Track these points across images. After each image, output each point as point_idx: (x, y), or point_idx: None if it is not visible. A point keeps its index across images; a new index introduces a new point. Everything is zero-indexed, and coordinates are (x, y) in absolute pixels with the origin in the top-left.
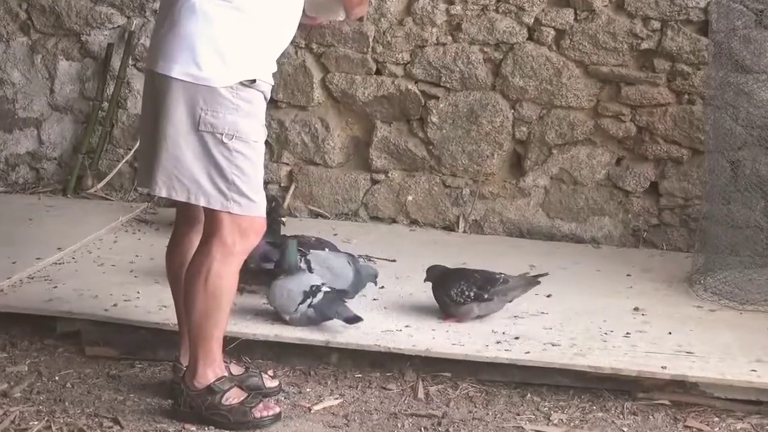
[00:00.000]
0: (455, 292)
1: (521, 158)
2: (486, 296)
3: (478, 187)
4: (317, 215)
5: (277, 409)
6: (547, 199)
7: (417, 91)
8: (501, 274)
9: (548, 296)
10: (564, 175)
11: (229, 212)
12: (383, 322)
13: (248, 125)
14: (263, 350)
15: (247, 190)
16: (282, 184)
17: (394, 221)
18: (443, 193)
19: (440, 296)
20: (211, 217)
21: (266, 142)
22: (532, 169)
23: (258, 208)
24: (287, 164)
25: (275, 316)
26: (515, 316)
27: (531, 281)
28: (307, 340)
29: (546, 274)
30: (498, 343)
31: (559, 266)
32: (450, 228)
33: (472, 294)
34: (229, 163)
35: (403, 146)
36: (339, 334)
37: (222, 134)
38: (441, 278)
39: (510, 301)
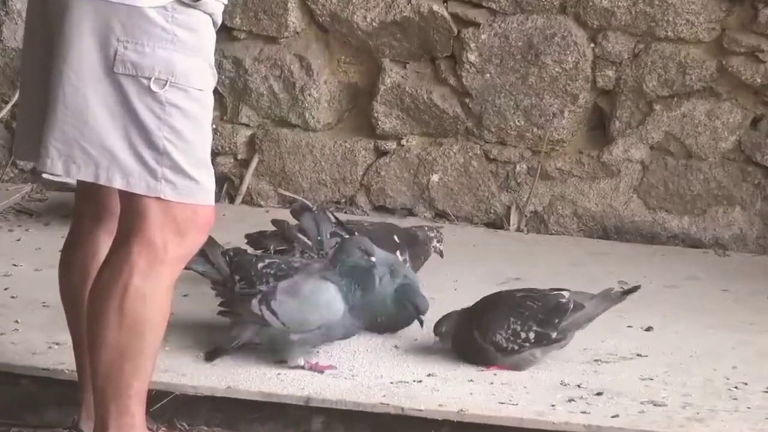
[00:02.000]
0: (505, 335)
1: (606, 118)
2: (554, 335)
3: (539, 162)
4: (292, 203)
5: None
6: (646, 180)
7: (446, 15)
8: (566, 292)
9: (647, 329)
10: (671, 143)
11: (159, 198)
12: (394, 369)
13: (189, 65)
14: (209, 411)
15: (186, 165)
16: (239, 157)
17: (410, 213)
18: (486, 170)
19: (476, 344)
20: (132, 205)
21: (215, 92)
22: (623, 134)
23: (203, 191)
24: (247, 126)
25: (234, 358)
26: (597, 360)
27: (615, 298)
28: (278, 396)
29: (638, 287)
30: (570, 401)
31: (665, 283)
32: (496, 224)
33: (531, 335)
34: (159, 123)
35: (424, 99)
36: (326, 388)
37: (149, 79)
38: (472, 317)
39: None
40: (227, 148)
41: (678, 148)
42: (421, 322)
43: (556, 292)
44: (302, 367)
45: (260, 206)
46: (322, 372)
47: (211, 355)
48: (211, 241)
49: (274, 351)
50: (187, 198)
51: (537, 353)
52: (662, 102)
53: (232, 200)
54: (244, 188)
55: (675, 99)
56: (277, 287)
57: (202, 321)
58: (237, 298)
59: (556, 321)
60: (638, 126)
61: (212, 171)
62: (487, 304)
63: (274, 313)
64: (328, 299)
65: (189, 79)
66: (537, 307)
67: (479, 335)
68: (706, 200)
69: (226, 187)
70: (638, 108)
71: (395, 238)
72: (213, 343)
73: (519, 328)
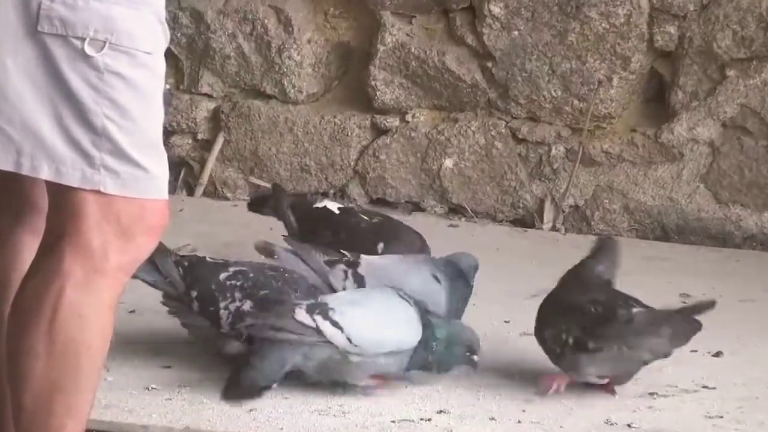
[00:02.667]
0: (550, 334)
1: (666, 87)
2: (590, 345)
3: (581, 143)
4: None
5: None
6: (716, 166)
7: None
8: (632, 302)
9: (716, 355)
10: (749, 119)
11: (98, 191)
12: (395, 404)
13: (134, 21)
14: None
15: (131, 149)
16: (199, 137)
17: (417, 207)
18: (513, 154)
19: (540, 340)
20: (63, 200)
21: (168, 55)
22: (687, 108)
23: (153, 182)
24: (210, 97)
25: (194, 388)
26: (652, 393)
27: (689, 326)
28: None
29: (710, 303)
30: None
31: (739, 297)
32: (526, 222)
33: (570, 340)
34: (97, 96)
35: (435, 63)
36: (310, 428)
37: (83, 39)
38: (550, 303)
39: (647, 362)
40: (184, 126)
41: (757, 125)
42: (474, 364)
43: (630, 297)
44: (364, 390)
45: (226, 199)
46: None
47: (238, 394)
48: (161, 248)
49: (324, 378)
50: (133, 191)
51: (583, 361)
52: (738, 66)
53: (190, 191)
54: (205, 176)
55: (754, 63)
56: (329, 299)
57: (154, 340)
58: (258, 324)
59: (597, 329)
60: (707, 97)
61: (165, 156)
62: (561, 295)
63: (336, 325)
64: (408, 318)
65: (134, 38)
66: (596, 311)
67: (538, 327)
68: None
69: (184, 174)
70: (707, 74)
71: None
72: (231, 380)
73: (563, 330)
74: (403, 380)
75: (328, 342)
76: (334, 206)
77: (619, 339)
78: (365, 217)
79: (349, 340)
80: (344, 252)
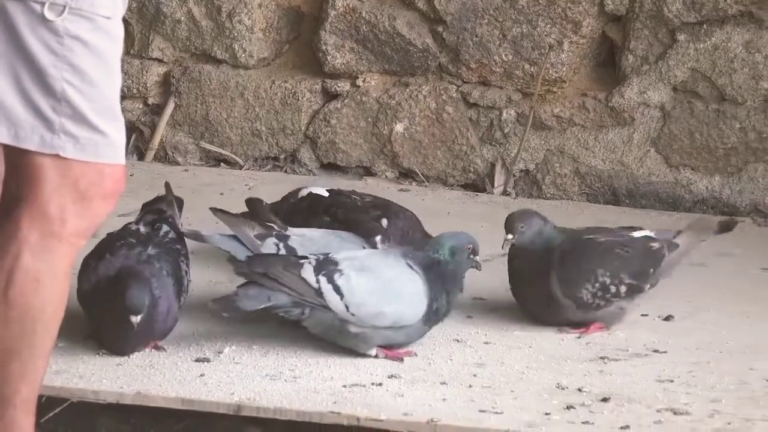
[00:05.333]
0: (591, 290)
1: (616, 51)
2: (648, 286)
3: (531, 107)
4: (218, 160)
5: None
6: (667, 130)
7: None
8: (650, 232)
9: (667, 319)
10: (699, 83)
11: (57, 156)
12: (347, 368)
13: None
14: (115, 423)
15: (91, 114)
16: (150, 101)
17: (368, 172)
18: (464, 118)
19: (553, 300)
20: (21, 165)
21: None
22: (638, 72)
23: (111, 147)
24: (160, 62)
25: (144, 354)
26: (603, 357)
27: (708, 229)
28: (201, 403)
29: (735, 222)
30: (569, 408)
31: (691, 260)
32: (477, 186)
33: (623, 288)
34: (56, 60)
35: (386, 27)
36: (262, 393)
37: (43, 4)
38: (550, 267)
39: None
40: (135, 90)
41: (708, 89)
42: (479, 265)
43: (642, 235)
44: (374, 357)
45: (177, 164)
46: (401, 360)
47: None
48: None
49: (330, 340)
50: (92, 155)
51: (624, 305)
52: (688, 30)
53: (141, 156)
54: (156, 141)
55: (704, 27)
56: (341, 259)
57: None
58: (272, 257)
59: (651, 271)
60: (657, 61)
61: (122, 121)
62: (567, 254)
63: (338, 291)
64: (413, 293)
65: (93, 3)
66: (628, 255)
67: (559, 289)
68: (743, 155)
69: (134, 139)
70: (657, 38)
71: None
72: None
73: (609, 281)
74: (412, 349)
75: (327, 307)
76: (321, 190)
77: (662, 272)
78: (356, 197)
79: (347, 308)
80: (272, 225)
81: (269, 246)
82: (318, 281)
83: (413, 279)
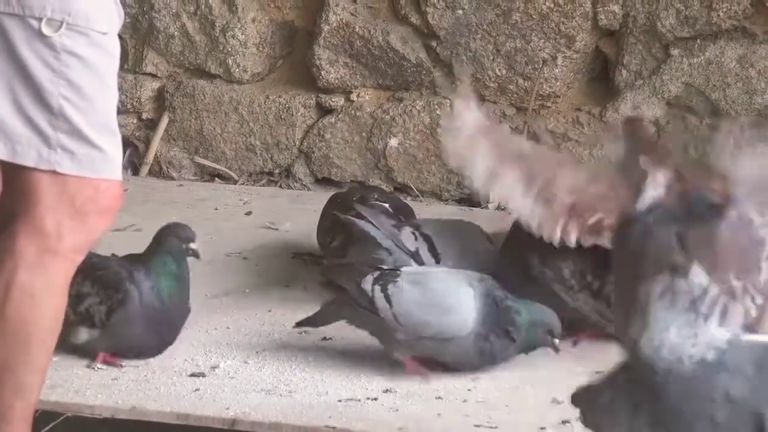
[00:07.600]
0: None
1: (610, 66)
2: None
3: (525, 122)
4: (213, 175)
5: None
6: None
7: None
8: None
9: None
10: (693, 98)
11: (54, 172)
12: (342, 383)
13: (89, 2)
14: None
15: (87, 129)
16: (144, 116)
17: (362, 187)
18: None
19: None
20: (18, 181)
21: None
22: (632, 86)
23: (108, 163)
24: (154, 77)
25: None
26: (597, 372)
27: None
28: (196, 417)
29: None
30: (564, 423)
31: None
32: (471, 201)
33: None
34: (54, 76)
35: (379, 42)
36: (257, 407)
37: (40, 19)
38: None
39: None
40: (129, 105)
41: (702, 104)
42: (556, 347)
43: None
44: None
45: (172, 179)
46: (427, 377)
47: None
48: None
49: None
50: (89, 171)
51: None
52: (681, 45)
53: (136, 171)
54: (151, 156)
55: (698, 41)
56: (403, 271)
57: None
58: (346, 266)
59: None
60: (651, 76)
61: (119, 137)
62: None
63: (388, 300)
64: (461, 303)
65: (90, 19)
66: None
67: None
68: None
69: (129, 154)
70: (651, 53)
71: None
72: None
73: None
74: (437, 367)
75: (377, 314)
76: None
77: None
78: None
79: (395, 317)
80: (400, 218)
81: (407, 235)
82: (372, 290)
83: (465, 292)
